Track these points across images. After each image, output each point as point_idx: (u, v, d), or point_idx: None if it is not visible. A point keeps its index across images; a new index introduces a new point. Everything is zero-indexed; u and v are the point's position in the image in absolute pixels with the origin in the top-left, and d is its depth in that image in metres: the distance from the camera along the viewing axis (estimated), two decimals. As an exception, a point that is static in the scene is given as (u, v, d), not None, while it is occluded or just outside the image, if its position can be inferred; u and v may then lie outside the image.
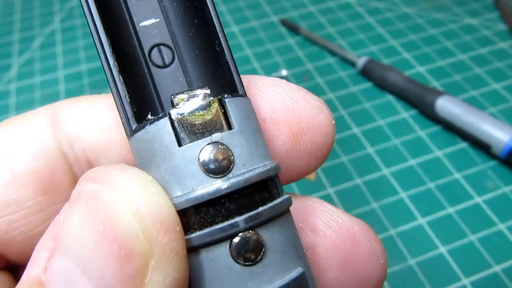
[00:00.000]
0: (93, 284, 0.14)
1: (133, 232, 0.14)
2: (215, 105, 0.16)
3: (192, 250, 0.16)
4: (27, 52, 0.70)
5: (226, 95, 0.16)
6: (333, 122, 0.20)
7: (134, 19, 0.16)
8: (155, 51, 0.16)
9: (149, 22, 0.16)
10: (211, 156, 0.15)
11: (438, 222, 0.46)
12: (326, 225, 0.21)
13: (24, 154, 0.20)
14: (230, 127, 0.16)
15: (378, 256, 0.21)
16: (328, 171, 0.51)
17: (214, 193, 0.15)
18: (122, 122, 0.17)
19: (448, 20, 0.69)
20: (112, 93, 0.17)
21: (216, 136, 0.16)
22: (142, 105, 0.16)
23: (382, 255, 0.21)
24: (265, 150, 0.17)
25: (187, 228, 0.16)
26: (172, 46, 0.16)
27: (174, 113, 0.16)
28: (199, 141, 0.16)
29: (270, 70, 0.63)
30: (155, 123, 0.16)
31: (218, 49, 0.17)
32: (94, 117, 0.20)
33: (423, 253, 0.44)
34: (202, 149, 0.15)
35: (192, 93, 0.16)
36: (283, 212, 0.17)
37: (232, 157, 0.16)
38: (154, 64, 0.16)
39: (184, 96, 0.16)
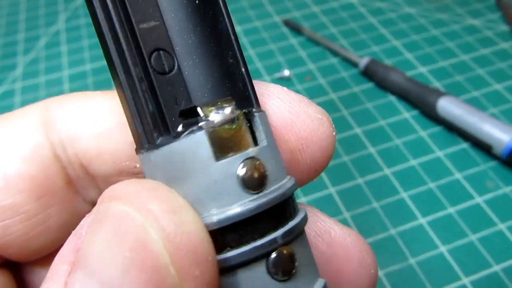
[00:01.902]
0: None
1: (163, 265, 0.13)
2: (242, 118, 0.15)
3: (229, 269, 0.15)
4: (32, 51, 0.70)
5: (254, 109, 0.16)
6: (334, 133, 0.19)
7: (133, 19, 0.15)
8: (156, 56, 0.15)
9: (149, 25, 0.15)
10: (250, 172, 0.15)
11: (438, 222, 0.46)
12: (319, 236, 0.20)
13: (18, 157, 0.19)
14: (256, 141, 0.16)
15: (369, 267, 0.21)
16: (330, 171, 0.51)
17: (255, 209, 0.15)
18: (138, 134, 0.16)
19: (450, 21, 0.69)
20: (127, 100, 0.15)
21: (252, 151, 0.15)
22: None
23: (373, 265, 0.21)
24: (283, 164, 0.17)
25: (223, 246, 0.15)
26: (171, 51, 0.16)
27: (206, 125, 0.15)
28: (237, 156, 0.15)
29: (272, 70, 0.64)
30: (190, 136, 0.15)
31: (231, 60, 0.16)
32: (87, 120, 0.19)
33: (424, 253, 0.44)
34: (239, 164, 0.15)
35: (219, 105, 0.15)
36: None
37: (266, 173, 0.15)
38: (155, 70, 0.15)
39: (212, 107, 0.15)
